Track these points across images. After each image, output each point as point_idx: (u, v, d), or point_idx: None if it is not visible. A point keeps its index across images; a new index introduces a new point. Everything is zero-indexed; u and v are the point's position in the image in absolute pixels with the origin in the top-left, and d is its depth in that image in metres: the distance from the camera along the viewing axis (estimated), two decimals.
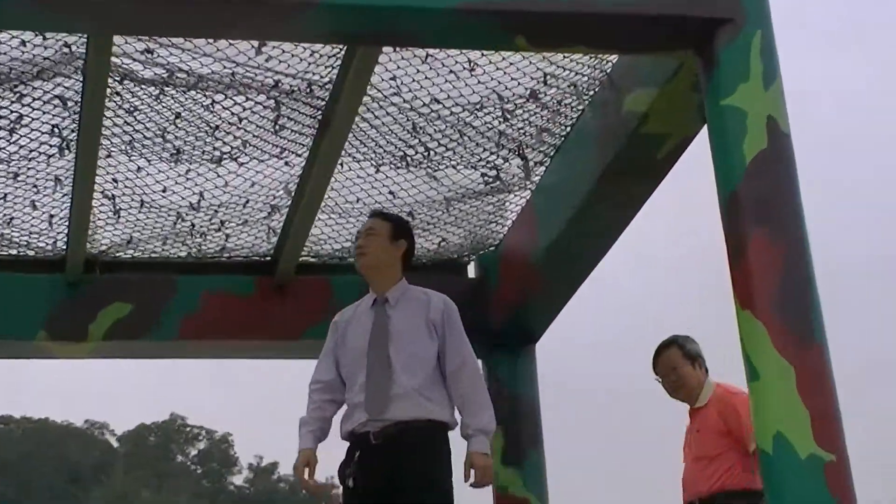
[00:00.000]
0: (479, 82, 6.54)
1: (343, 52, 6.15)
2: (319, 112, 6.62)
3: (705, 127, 5.56)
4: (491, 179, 7.36)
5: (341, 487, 5.35)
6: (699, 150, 5.87)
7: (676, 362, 6.57)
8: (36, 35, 5.92)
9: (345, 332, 5.45)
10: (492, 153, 7.15)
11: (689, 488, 6.51)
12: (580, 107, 6.76)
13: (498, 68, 6.44)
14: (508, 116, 6.81)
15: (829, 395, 4.99)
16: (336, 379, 5.41)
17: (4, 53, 6.07)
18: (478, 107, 6.71)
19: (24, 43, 5.99)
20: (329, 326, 5.54)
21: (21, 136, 6.69)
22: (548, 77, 6.53)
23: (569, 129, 6.91)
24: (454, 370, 5.31)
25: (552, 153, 7.09)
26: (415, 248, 5.70)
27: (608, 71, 6.44)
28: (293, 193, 7.32)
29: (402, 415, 5.17)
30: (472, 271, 8.45)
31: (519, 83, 6.57)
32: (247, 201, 7.43)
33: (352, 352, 5.36)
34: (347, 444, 5.31)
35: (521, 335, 8.17)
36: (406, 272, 5.52)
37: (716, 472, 6.34)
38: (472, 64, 6.40)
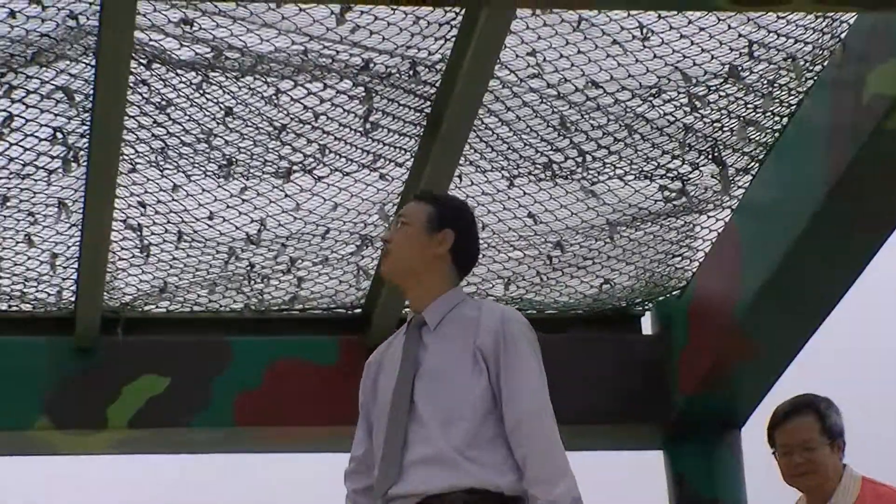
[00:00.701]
0: (655, 57, 6.57)
1: (460, 18, 6.18)
2: (427, 103, 6.67)
3: None
4: (674, 195, 7.36)
5: None
6: None
7: (812, 438, 5.97)
8: (30, 3, 5.99)
9: (377, 377, 5.30)
10: (675, 157, 7.16)
11: None
12: (801, 89, 6.73)
13: (683, 36, 6.46)
14: (698, 105, 6.82)
15: None
16: (370, 451, 5.27)
17: None
18: (654, 92, 6.74)
19: (12, 14, 6.07)
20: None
21: (11, 144, 6.75)
22: (755, 47, 6.53)
23: (785, 121, 6.88)
24: (513, 424, 4.97)
25: (762, 156, 7.08)
26: (473, 242, 5.32)
27: (842, 37, 6.41)
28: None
29: (428, 486, 4.93)
30: (647, 326, 8.41)
31: (713, 57, 6.59)
32: (327, 231, 7.48)
33: (381, 405, 5.15)
34: None
35: (719, 416, 8.09)
36: (460, 276, 5.20)
37: None
38: (645, 31, 6.41)
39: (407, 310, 5.26)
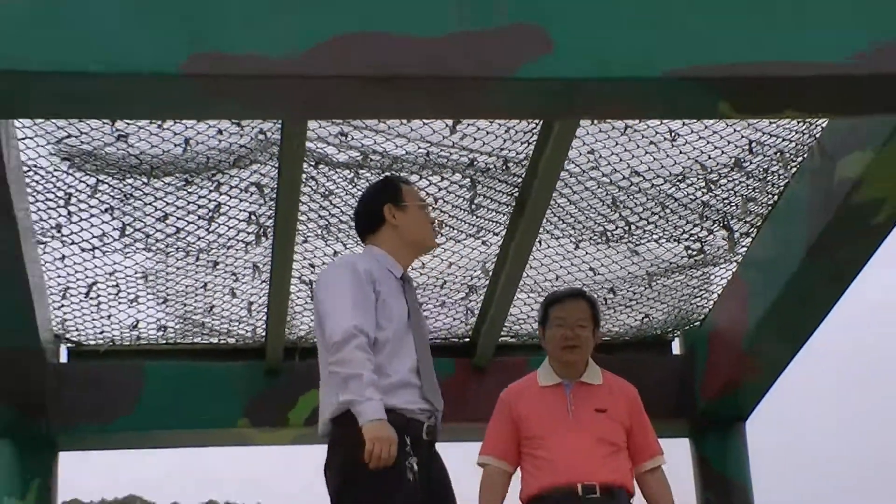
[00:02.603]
0: (680, 153, 6.51)
1: (539, 128, 6.13)
2: (516, 189, 6.62)
3: None
4: (695, 252, 7.31)
5: None
6: None
7: (585, 318, 5.63)
8: (232, 124, 6.00)
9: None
10: (695, 225, 7.10)
11: (582, 469, 5.39)
12: (788, 175, 6.66)
13: (700, 137, 6.41)
14: (712, 187, 6.77)
15: None
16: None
17: (202, 143, 6.17)
18: (680, 178, 6.69)
19: (220, 132, 6.09)
20: None
21: (219, 224, 6.80)
22: (753, 144, 6.48)
23: (776, 198, 6.81)
24: None
25: (759, 224, 7.01)
26: None
27: (817, 136, 6.32)
28: (490, 273, 7.30)
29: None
30: (676, 348, 8.35)
31: (722, 152, 6.54)
32: (444, 282, 7.44)
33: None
34: None
35: (730, 414, 7.99)
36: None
37: (621, 466, 5.38)
38: (672, 134, 6.37)
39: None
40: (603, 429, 5.39)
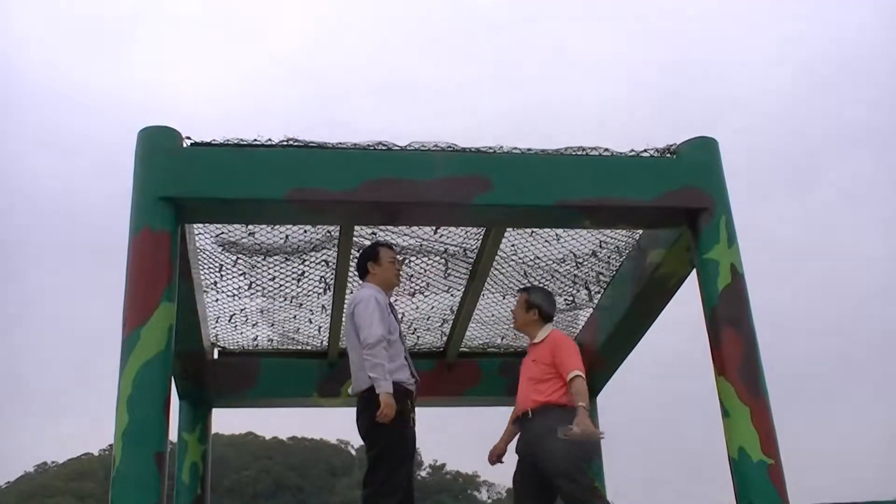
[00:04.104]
0: (562, 246, 6.46)
1: (484, 230, 6.13)
2: (470, 265, 6.57)
3: (694, 270, 5.50)
4: (570, 302, 7.21)
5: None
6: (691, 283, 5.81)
7: (519, 305, 5.48)
8: (312, 226, 6.00)
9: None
10: (570, 287, 7.00)
11: (521, 402, 5.26)
12: (621, 259, 6.65)
13: (573, 238, 6.38)
14: (580, 266, 6.71)
15: (770, 424, 4.90)
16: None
17: (294, 237, 6.13)
18: (561, 260, 6.62)
19: (305, 231, 6.10)
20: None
21: (303, 282, 6.71)
22: (602, 243, 6.45)
23: (615, 272, 6.81)
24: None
25: (605, 286, 6.97)
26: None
27: (637, 238, 6.38)
28: (455, 311, 7.23)
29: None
30: None
31: (585, 246, 6.48)
32: (428, 317, 7.33)
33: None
34: None
35: (590, 392, 7.80)
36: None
37: (545, 391, 5.17)
38: (558, 236, 6.35)
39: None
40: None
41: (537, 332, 5.41)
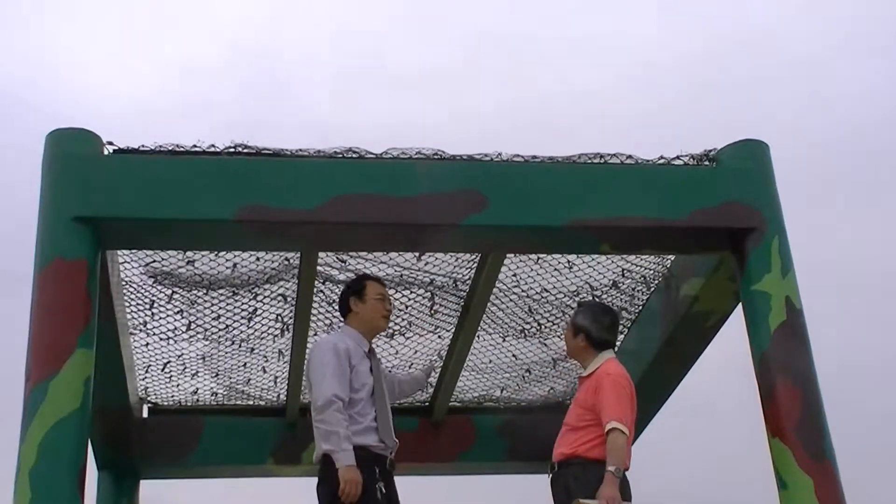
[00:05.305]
0: (575, 276, 6.46)
1: (479, 258, 6.12)
2: (462, 300, 6.57)
3: (740, 305, 5.46)
4: None
5: None
6: (736, 321, 5.77)
7: (568, 327, 5.39)
8: (266, 253, 5.99)
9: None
10: None
11: (553, 450, 5.10)
12: (648, 292, 6.66)
13: (589, 266, 6.38)
14: (598, 300, 6.65)
15: (839, 498, 4.86)
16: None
17: (244, 266, 6.13)
18: (575, 293, 6.61)
19: (258, 259, 6.08)
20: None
21: (256, 322, 6.73)
22: (625, 271, 6.45)
23: (641, 307, 6.80)
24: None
25: (629, 325, 6.97)
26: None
27: (668, 266, 6.37)
28: (444, 357, 7.22)
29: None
30: None
31: (604, 276, 6.48)
32: (411, 364, 7.32)
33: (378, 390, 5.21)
34: None
35: None
36: None
37: (574, 441, 4.92)
38: (570, 263, 6.34)
39: None
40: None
41: (588, 361, 5.20)
